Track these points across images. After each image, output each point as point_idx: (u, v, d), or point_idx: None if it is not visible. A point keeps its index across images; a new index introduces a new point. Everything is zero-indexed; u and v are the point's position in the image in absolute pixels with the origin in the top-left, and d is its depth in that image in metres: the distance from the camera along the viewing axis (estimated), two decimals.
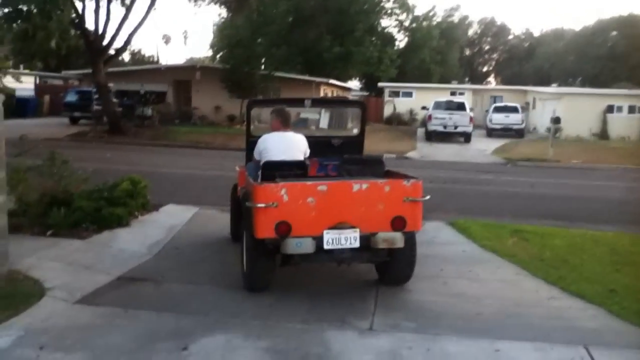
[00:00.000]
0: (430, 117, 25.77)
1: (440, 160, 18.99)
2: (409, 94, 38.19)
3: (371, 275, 5.75)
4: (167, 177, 12.69)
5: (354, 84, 47.95)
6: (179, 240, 7.10)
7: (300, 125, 8.12)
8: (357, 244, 4.95)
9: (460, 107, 26.19)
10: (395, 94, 38.44)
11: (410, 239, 5.25)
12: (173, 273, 5.80)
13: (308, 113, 8.77)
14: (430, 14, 47.89)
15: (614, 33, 51.65)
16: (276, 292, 5.24)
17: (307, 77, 31.25)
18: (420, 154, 20.54)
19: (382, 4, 41.91)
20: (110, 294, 5.09)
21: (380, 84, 39.12)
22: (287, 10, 36.92)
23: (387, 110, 37.08)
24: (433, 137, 25.56)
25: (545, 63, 58.90)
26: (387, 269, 5.50)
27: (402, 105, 36.85)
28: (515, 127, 29.72)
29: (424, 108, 29.59)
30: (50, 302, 4.71)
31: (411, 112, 36.32)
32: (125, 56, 54.76)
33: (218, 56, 40.46)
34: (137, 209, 8.05)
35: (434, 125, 25.40)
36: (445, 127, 25.24)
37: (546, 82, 49.18)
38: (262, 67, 30.20)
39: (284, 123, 5.90)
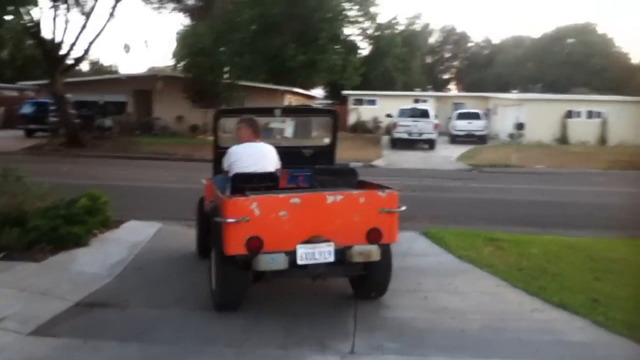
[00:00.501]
0: (395, 124, 25.78)
1: (407, 168, 18.92)
2: (373, 102, 38.28)
3: (346, 290, 5.50)
4: (128, 190, 12.20)
5: (318, 92, 47.86)
6: (141, 259, 6.70)
7: (267, 135, 7.76)
8: (332, 259, 4.73)
9: (425, 114, 26.29)
10: (359, 101, 38.48)
11: (385, 251, 5.05)
12: (136, 296, 5.42)
13: (277, 123, 8.43)
14: (393, 22, 48.09)
15: (571, 40, 52.95)
16: (249, 314, 4.93)
17: (271, 86, 30.97)
18: (387, 162, 20.44)
19: (345, 12, 41.98)
20: (68, 322, 4.68)
21: (344, 92, 39.11)
22: (250, 18, 36.59)
23: (352, 118, 37.06)
24: (398, 144, 25.56)
25: (504, 70, 59.90)
26: (362, 282, 5.28)
27: (366, 112, 36.92)
28: (478, 133, 30.06)
29: (388, 116, 29.61)
30: (0, 335, 4.29)
31: (375, 119, 36.37)
32: (85, 66, 53.48)
33: (180, 65, 39.85)
34: (96, 227, 7.60)
35: (399, 133, 25.41)
36: (410, 134, 25.28)
37: (506, 89, 50.01)
38: (226, 75, 29.78)
39: (254, 133, 5.62)
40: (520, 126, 20.04)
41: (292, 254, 4.63)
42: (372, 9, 43.82)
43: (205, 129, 28.83)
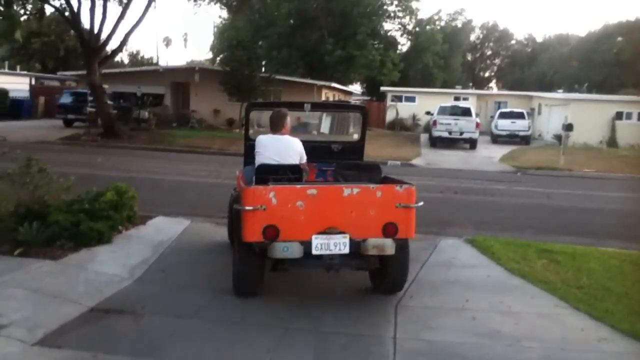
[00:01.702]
0: (435, 122, 24.96)
1: (447, 168, 18.18)
2: (412, 99, 37.41)
3: (386, 306, 4.98)
4: (159, 184, 11.89)
5: (356, 87, 47.23)
6: (166, 260, 6.27)
7: (300, 129, 7.53)
8: (346, 250, 4.82)
9: (466, 112, 25.40)
10: (398, 98, 37.66)
11: (402, 246, 5.08)
12: (156, 302, 4.99)
13: (309, 117, 8.23)
14: (435, 17, 47.06)
15: (620, 39, 50.93)
16: (277, 330, 4.44)
17: (308, 81, 30.48)
18: (426, 161, 19.72)
19: (385, 7, 41.24)
20: (78, 331, 4.26)
21: (382, 88, 38.35)
22: (288, 12, 36.23)
23: (390, 115, 36.32)
24: (438, 143, 24.76)
25: (548, 69, 58.21)
26: (379, 276, 5.37)
27: (405, 110, 36.10)
28: (521, 133, 28.96)
29: (428, 113, 28.82)
30: (3, 344, 3.89)
31: (414, 117, 35.57)
32: (124, 58, 54.16)
33: (218, 59, 39.75)
34: (121, 223, 7.23)
35: (439, 131, 24.59)
36: (450, 132, 24.45)
37: (549, 88, 48.42)
38: (263, 69, 29.45)
39: (282, 126, 5.69)
40: (569, 127, 19.02)
41: (307, 244, 4.73)
42: (413, 4, 43.02)
43: (241, 123, 28.56)
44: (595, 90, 41.05)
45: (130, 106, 27.30)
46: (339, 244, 4.79)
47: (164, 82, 30.54)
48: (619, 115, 29.39)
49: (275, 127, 5.71)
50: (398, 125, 34.56)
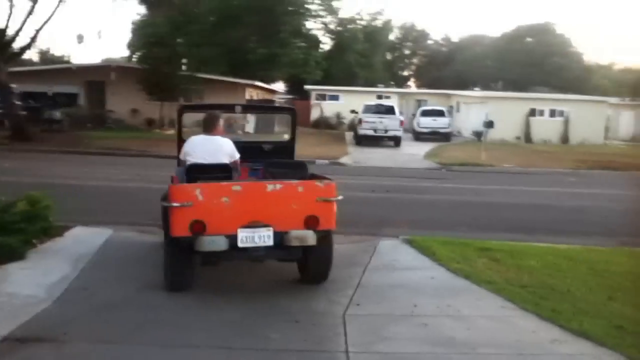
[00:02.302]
0: (361, 121, 25.08)
1: (375, 166, 18.24)
2: (336, 97, 37.57)
3: (337, 316, 4.72)
4: (76, 190, 11.08)
5: (280, 86, 46.85)
6: (88, 276, 5.69)
7: (231, 130, 7.44)
8: (271, 242, 5.04)
9: (390, 110, 25.71)
10: (322, 97, 37.71)
11: (324, 237, 5.28)
12: (80, 326, 4.46)
13: (241, 119, 8.16)
14: (356, 17, 47.51)
15: (530, 39, 53.44)
16: (218, 355, 4.07)
17: (232, 79, 29.86)
18: (353, 160, 19.70)
19: (306, 6, 41.09)
20: None
21: (306, 87, 38.30)
22: (210, 9, 35.30)
23: (315, 114, 36.27)
24: (363, 141, 24.87)
25: (464, 68, 60.10)
26: (305, 267, 5.62)
27: (329, 108, 36.17)
28: (442, 130, 29.73)
29: (353, 111, 28.94)
30: None
31: (338, 115, 35.67)
32: (34, 56, 50.99)
33: (135, 56, 38.18)
34: (36, 236, 6.58)
35: (365, 129, 24.72)
36: (376, 131, 24.64)
37: (465, 87, 49.91)
38: (184, 67, 28.52)
39: (209, 128, 5.87)
40: (489, 124, 19.58)
41: (233, 237, 4.94)
42: (334, 4, 43.18)
43: (161, 123, 27.55)
44: (510, 88, 42.78)
45: (41, 106, 25.71)
46: (263, 237, 5.02)
47: (78, 81, 28.94)
48: (532, 112, 30.75)
49: (208, 128, 5.88)
50: (323, 124, 34.58)
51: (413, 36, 73.96)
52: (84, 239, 6.97)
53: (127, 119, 28.03)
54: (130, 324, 4.54)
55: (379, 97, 36.78)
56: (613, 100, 35.10)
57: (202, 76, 28.11)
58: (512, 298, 5.22)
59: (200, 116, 6.22)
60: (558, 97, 33.40)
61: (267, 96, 34.75)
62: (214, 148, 5.71)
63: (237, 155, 5.85)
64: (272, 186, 5.16)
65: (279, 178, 5.60)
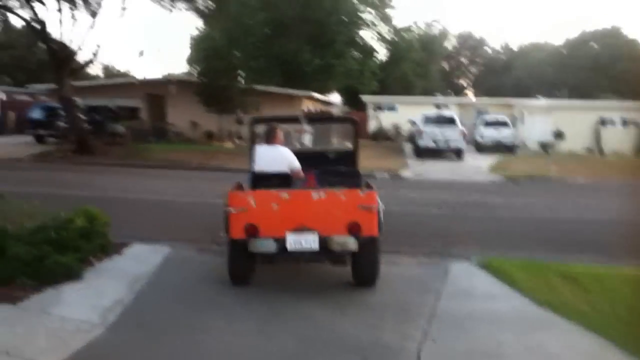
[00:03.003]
0: (420, 132, 24.37)
1: (437, 180, 17.55)
2: (393, 108, 36.91)
3: (406, 352, 4.24)
4: (135, 204, 11.03)
5: (335, 97, 46.66)
6: (145, 299, 5.43)
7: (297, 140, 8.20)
8: (316, 247, 5.47)
9: (451, 121, 24.82)
10: (379, 107, 37.17)
11: (368, 243, 5.59)
12: (134, 357, 4.16)
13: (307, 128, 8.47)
14: (412, 26, 46.88)
15: (595, 45, 51.27)
16: None
17: (288, 91, 29.77)
18: (414, 173, 19.07)
19: (361, 15, 40.75)
20: None
21: (362, 97, 37.85)
22: (263, 21, 35.51)
23: (372, 125, 35.77)
24: (423, 153, 24.10)
25: (524, 75, 58.26)
26: (354, 272, 5.91)
27: (386, 119, 35.56)
28: (506, 142, 28.40)
29: (412, 122, 28.24)
30: None
31: (396, 126, 35.00)
32: (99, 71, 52.80)
33: (194, 70, 38.83)
34: (93, 254, 6.40)
35: (425, 141, 23.96)
36: (436, 142, 23.85)
37: (526, 94, 48.24)
38: (241, 80, 28.67)
39: (269, 138, 6.41)
40: (559, 135, 18.57)
41: (282, 241, 5.45)
42: (389, 12, 42.69)
43: (220, 136, 27.72)
44: (575, 96, 41.03)
45: (104, 120, 26.30)
46: (309, 241, 5.47)
47: (139, 94, 29.53)
48: (602, 121, 29.22)
49: (268, 138, 6.45)
50: (381, 136, 33.99)
51: (470, 45, 72.60)
52: (141, 258, 6.75)
53: (186, 132, 28.35)
54: (185, 355, 4.20)
55: (437, 106, 35.83)
56: None
57: (258, 88, 28.15)
58: (610, 336, 4.59)
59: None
60: (630, 104, 31.62)
61: (324, 108, 34.51)
62: (274, 156, 6.26)
63: (297, 164, 6.28)
64: (316, 194, 5.62)
65: (335, 185, 6.01)
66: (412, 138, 27.21)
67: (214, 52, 27.47)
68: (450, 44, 66.90)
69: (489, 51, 72.90)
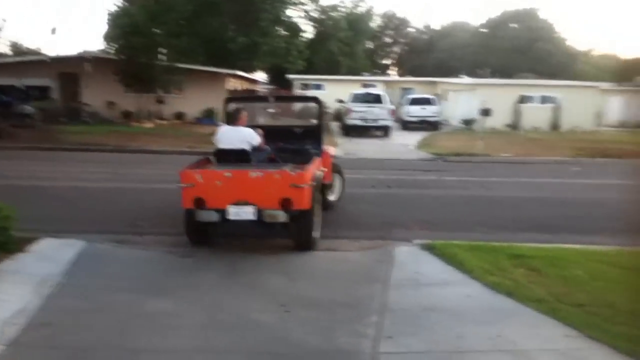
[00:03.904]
0: (349, 110, 24.07)
1: (368, 158, 17.26)
2: (320, 87, 36.55)
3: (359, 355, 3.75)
4: (46, 192, 9.99)
5: (261, 76, 45.63)
6: (53, 306, 4.66)
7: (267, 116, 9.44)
8: (254, 217, 6.24)
9: (379, 99, 24.72)
10: (305, 86, 36.68)
11: (301, 215, 6.31)
12: None
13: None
14: (339, 4, 46.37)
15: (515, 25, 52.78)
16: None
17: (212, 69, 28.63)
18: (345, 151, 18.66)
19: None
20: None
21: (289, 76, 37.17)
22: None
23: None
24: (351, 131, 23.86)
25: (447, 55, 59.28)
26: (292, 237, 6.63)
27: None
28: (431, 119, 28.93)
29: (339, 101, 27.93)
30: None
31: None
32: (5, 48, 48.99)
33: (111, 47, 36.61)
34: None
35: (354, 120, 23.72)
36: (365, 121, 23.64)
37: (448, 74, 49.09)
38: (162, 58, 27.24)
39: (233, 119, 7.27)
40: (486, 112, 18.68)
41: (223, 212, 6.22)
42: None
43: (139, 116, 26.32)
44: (497, 75, 42.07)
45: (11, 100, 24.31)
46: (247, 213, 6.22)
47: (51, 73, 27.51)
48: (522, 99, 30.01)
49: (233, 120, 7.31)
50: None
51: (394, 24, 73.06)
52: (50, 255, 5.91)
53: (103, 112, 26.70)
54: None
55: (364, 85, 35.86)
56: (605, 85, 34.51)
57: (181, 66, 26.90)
58: (573, 323, 4.31)
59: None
60: (549, 83, 32.72)
61: (249, 86, 33.56)
62: (236, 136, 7.06)
63: (257, 140, 7.13)
64: (254, 174, 6.35)
65: (288, 161, 7.01)
66: (339, 117, 26.93)
67: (134, 29, 25.87)
68: (374, 23, 67.02)
69: (413, 31, 73.64)
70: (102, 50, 34.28)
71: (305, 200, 6.26)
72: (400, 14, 76.42)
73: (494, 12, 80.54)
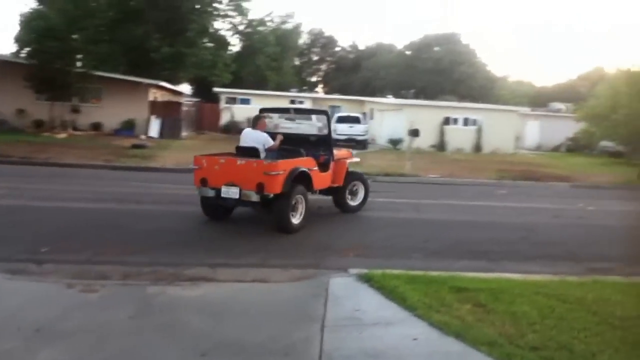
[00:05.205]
0: (277, 126, 23.44)
1: None
2: (247, 101, 35.86)
3: None
4: None
5: (184, 87, 44.33)
6: None
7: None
8: (237, 196, 8.17)
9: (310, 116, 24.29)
10: (232, 100, 35.86)
11: (275, 198, 8.10)
12: None
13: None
14: (267, 19, 45.93)
15: (437, 48, 54.29)
16: None
17: (135, 79, 27.30)
18: None
19: (215, 5, 38.94)
20: None
21: (216, 89, 36.30)
22: (109, 2, 32.36)
23: (225, 118, 34.37)
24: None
25: (372, 75, 60.12)
26: (272, 216, 8.45)
27: (240, 112, 34.36)
28: (359, 138, 29.00)
29: (268, 117, 27.30)
30: None
31: (249, 120, 33.88)
32: None
33: (24, 52, 34.30)
34: None
35: None
36: None
37: (373, 94, 49.73)
38: (79, 64, 25.70)
39: (255, 124, 9.30)
40: (415, 132, 18.61)
41: (218, 190, 8.29)
42: (243, 4, 41.32)
43: (52, 125, 24.63)
44: (421, 97, 42.95)
45: None
46: (234, 192, 8.14)
47: None
48: (447, 121, 30.58)
49: (254, 124, 9.31)
50: (234, 129, 32.67)
51: (321, 42, 73.47)
52: None
53: (11, 121, 24.78)
54: None
55: (292, 101, 35.59)
56: (523, 110, 35.87)
57: (99, 74, 25.50)
58: None
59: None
60: (472, 106, 33.60)
61: (174, 98, 32.30)
62: (252, 137, 9.05)
63: (270, 143, 8.97)
64: (240, 162, 8.26)
65: (288, 157, 8.77)
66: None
67: (48, 32, 24.22)
68: (302, 40, 67.07)
69: (339, 49, 74.34)
70: (13, 54, 32.10)
71: (276, 185, 7.96)
72: (327, 31, 76.84)
73: (417, 35, 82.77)
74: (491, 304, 5.26)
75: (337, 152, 10.23)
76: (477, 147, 30.33)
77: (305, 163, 8.82)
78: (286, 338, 4.32)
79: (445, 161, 23.40)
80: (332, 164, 9.78)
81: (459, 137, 30.08)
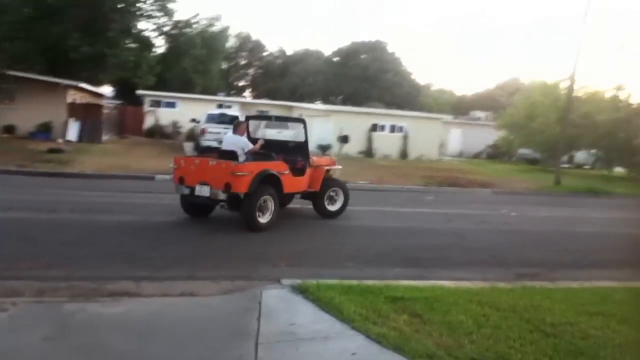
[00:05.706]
0: (203, 131, 22.97)
1: None
2: (172, 105, 34.97)
3: None
4: None
5: (106, 89, 42.64)
6: None
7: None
8: (208, 194, 8.92)
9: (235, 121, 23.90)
10: (157, 103, 34.82)
11: (243, 197, 8.78)
12: None
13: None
14: (193, 21, 44.94)
15: (364, 56, 55.10)
16: None
17: (52, 79, 25.92)
18: None
19: (139, 5, 37.68)
20: None
21: (139, 92, 35.10)
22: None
23: (149, 122, 33.30)
24: (206, 153, 22.71)
25: (299, 80, 60.26)
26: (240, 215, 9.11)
27: (165, 116, 33.44)
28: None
29: (193, 120, 26.71)
30: None
31: (175, 124, 33.07)
32: None
33: None
34: None
35: (209, 140, 22.59)
36: (220, 142, 22.61)
37: (301, 99, 49.79)
38: None
39: (235, 129, 9.97)
40: (345, 139, 18.59)
41: (193, 188, 9.03)
42: (169, 5, 40.26)
43: None
44: (349, 103, 43.38)
45: None
46: (205, 190, 8.88)
47: None
48: (374, 127, 30.99)
49: (234, 129, 9.97)
50: (158, 133, 31.76)
51: (249, 46, 72.90)
52: None
53: None
54: None
55: (220, 106, 34.94)
56: (446, 117, 36.91)
57: (13, 74, 24.01)
58: None
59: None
60: (398, 113, 34.24)
61: (93, 100, 30.93)
62: (231, 142, 9.71)
63: (249, 147, 9.56)
64: (212, 162, 8.99)
65: (262, 159, 9.50)
66: (192, 136, 25.71)
67: None
68: (229, 43, 66.22)
69: (266, 54, 74.03)
70: None
71: (242, 185, 8.58)
72: (255, 36, 76.18)
73: (343, 42, 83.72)
74: (427, 313, 5.21)
75: (317, 159, 10.93)
76: (404, 154, 30.92)
77: (276, 166, 9.37)
78: (218, 357, 4.06)
79: (374, 167, 23.67)
80: (308, 170, 10.26)
81: (386, 144, 30.56)
